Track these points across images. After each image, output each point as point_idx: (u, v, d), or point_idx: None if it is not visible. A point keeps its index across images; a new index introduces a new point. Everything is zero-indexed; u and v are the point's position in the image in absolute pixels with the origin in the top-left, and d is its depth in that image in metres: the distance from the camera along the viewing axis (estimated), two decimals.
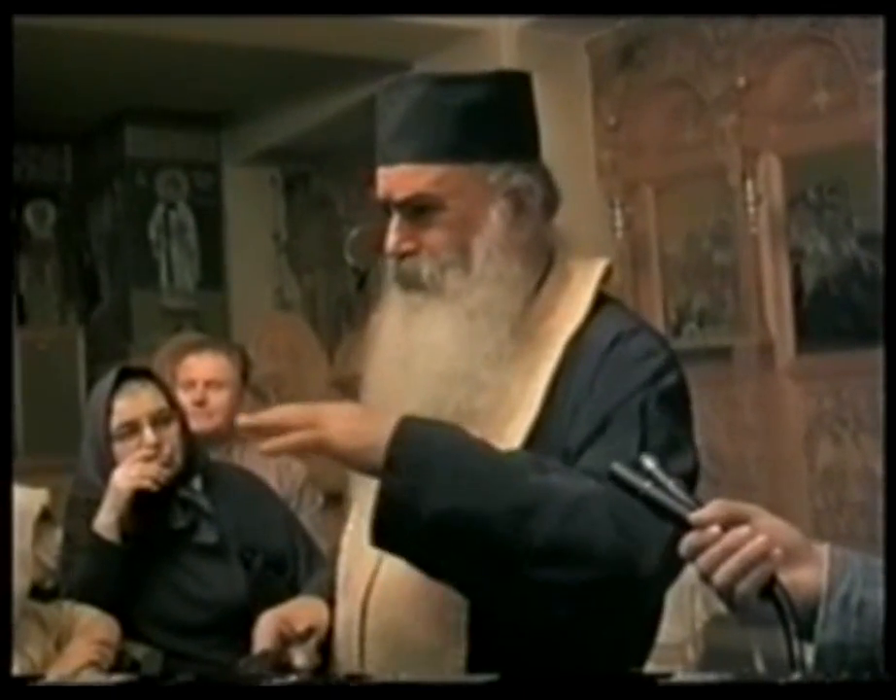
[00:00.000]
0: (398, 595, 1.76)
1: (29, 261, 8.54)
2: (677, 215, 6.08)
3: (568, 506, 1.63)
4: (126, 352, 7.63)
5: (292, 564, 2.86)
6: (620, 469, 1.50)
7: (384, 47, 6.09)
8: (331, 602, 1.93)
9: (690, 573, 1.50)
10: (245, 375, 3.93)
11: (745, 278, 5.71)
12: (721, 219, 5.85)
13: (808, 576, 1.44)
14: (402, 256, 1.83)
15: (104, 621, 2.67)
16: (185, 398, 3.49)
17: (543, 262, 1.87)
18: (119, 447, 2.78)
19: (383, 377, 1.85)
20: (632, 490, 1.48)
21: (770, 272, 5.66)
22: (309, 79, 6.97)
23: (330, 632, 1.90)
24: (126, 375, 2.82)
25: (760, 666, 3.45)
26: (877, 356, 4.19)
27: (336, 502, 3.04)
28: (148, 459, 2.75)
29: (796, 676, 1.35)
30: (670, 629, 3.59)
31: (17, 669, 2.38)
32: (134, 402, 2.79)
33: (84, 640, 2.60)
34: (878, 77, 4.82)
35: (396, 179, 1.82)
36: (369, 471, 1.66)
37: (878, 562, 1.46)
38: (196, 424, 3.22)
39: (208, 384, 3.73)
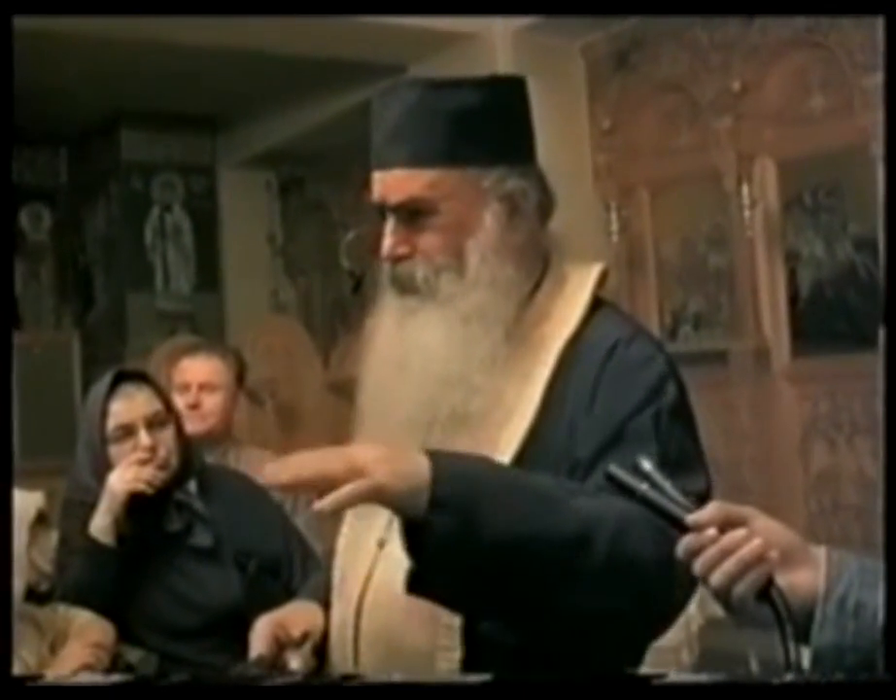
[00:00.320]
0: (393, 598, 1.75)
1: (24, 264, 8.53)
2: (673, 218, 6.09)
3: (613, 530, 1.61)
4: (122, 355, 7.62)
5: (287, 567, 2.86)
6: (617, 471, 1.50)
7: (379, 50, 6.08)
8: (326, 605, 1.92)
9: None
10: (240, 378, 3.94)
11: (741, 281, 5.71)
12: (717, 222, 5.85)
13: (804, 578, 1.44)
14: (397, 259, 1.83)
15: (99, 624, 2.67)
16: (179, 401, 3.50)
17: (538, 267, 1.87)
18: (114, 450, 2.78)
19: (378, 380, 1.85)
20: (629, 492, 1.48)
21: (765, 276, 5.66)
22: (304, 82, 6.97)
23: (325, 635, 1.90)
24: (122, 378, 2.82)
25: (755, 669, 3.44)
26: (872, 359, 4.21)
27: None
28: (143, 462, 2.74)
29: (790, 678, 1.35)
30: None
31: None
32: (130, 405, 2.79)
33: (78, 643, 2.60)
34: (874, 80, 4.83)
35: (390, 182, 1.82)
36: (417, 511, 1.57)
37: (875, 564, 1.46)
38: (190, 427, 3.22)
39: (202, 387, 3.74)
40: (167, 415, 2.85)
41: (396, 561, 1.67)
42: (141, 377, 2.88)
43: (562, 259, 1.90)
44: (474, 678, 1.53)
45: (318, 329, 8.14)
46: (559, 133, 5.39)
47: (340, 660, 1.84)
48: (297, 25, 5.56)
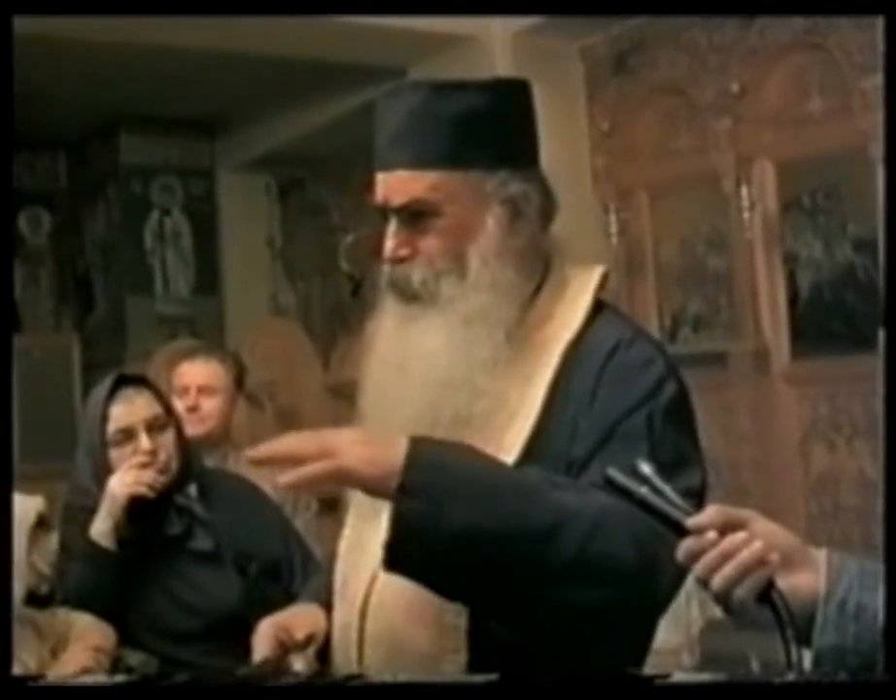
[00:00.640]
0: (398, 600, 1.76)
1: (24, 267, 8.53)
2: (672, 220, 6.08)
3: (588, 525, 1.63)
4: (121, 359, 7.62)
5: (288, 570, 2.86)
6: (616, 474, 1.50)
7: (378, 53, 6.08)
8: (328, 608, 1.92)
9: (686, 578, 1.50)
10: (240, 381, 3.94)
11: (740, 283, 5.71)
12: (715, 224, 5.85)
13: (805, 580, 1.44)
14: (398, 262, 1.83)
15: (99, 628, 2.67)
16: (179, 404, 3.51)
17: (539, 270, 1.87)
18: (114, 454, 2.78)
19: (380, 383, 1.85)
20: (628, 495, 1.48)
21: (764, 278, 5.66)
22: (303, 85, 6.96)
23: (328, 638, 1.90)
24: (122, 382, 2.82)
25: (756, 671, 3.44)
26: (872, 361, 4.21)
27: (331, 507, 3.04)
28: (143, 466, 2.75)
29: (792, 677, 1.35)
30: (665, 635, 3.60)
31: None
32: (130, 409, 2.79)
33: (79, 646, 2.60)
34: (873, 82, 4.83)
35: (393, 184, 1.82)
36: (388, 496, 1.61)
37: (876, 566, 1.46)
38: (190, 430, 3.22)
39: (201, 390, 3.75)
40: (167, 419, 2.85)
41: None
42: (141, 381, 2.89)
43: (563, 262, 1.90)
44: (480, 677, 1.53)
45: (317, 332, 8.14)
46: (558, 136, 5.38)
47: (344, 662, 1.84)
48: (296, 28, 5.56)
